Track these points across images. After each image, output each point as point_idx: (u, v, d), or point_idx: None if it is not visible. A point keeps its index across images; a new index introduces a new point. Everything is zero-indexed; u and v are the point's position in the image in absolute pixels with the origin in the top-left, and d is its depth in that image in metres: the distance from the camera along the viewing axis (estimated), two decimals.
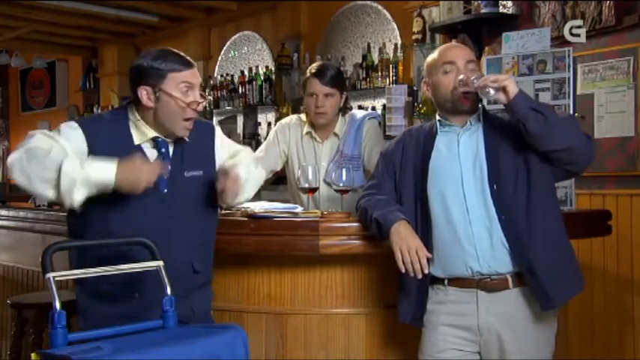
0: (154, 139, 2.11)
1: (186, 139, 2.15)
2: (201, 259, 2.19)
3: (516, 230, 2.06)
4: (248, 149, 2.43)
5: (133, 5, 6.45)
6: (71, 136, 2.03)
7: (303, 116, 3.14)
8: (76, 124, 2.07)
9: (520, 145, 2.11)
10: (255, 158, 2.42)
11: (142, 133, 2.11)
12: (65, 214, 2.20)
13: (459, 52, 2.22)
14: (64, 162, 1.88)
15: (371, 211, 2.19)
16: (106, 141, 2.04)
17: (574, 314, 3.65)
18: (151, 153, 2.11)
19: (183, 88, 2.05)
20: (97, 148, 2.02)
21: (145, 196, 2.00)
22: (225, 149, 2.31)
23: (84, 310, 2.13)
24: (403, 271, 2.07)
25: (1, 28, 7.38)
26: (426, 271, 2.05)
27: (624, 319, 3.63)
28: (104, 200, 1.97)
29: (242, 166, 2.19)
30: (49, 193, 1.91)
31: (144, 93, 2.05)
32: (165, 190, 2.09)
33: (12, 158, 1.94)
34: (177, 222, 2.12)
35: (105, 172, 1.91)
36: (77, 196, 1.89)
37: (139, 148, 2.09)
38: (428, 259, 2.06)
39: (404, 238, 2.07)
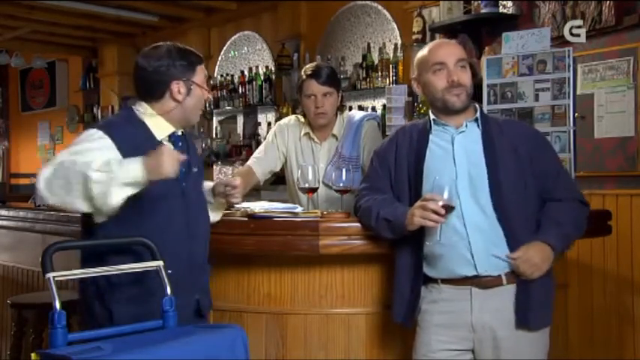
0: (169, 135, 2.14)
1: (188, 137, 2.23)
2: (207, 251, 2.24)
3: (517, 244, 2.07)
4: None
5: (133, 5, 6.44)
6: (103, 147, 1.98)
7: (301, 117, 3.14)
8: (102, 133, 2.01)
9: (519, 160, 2.13)
10: None
11: (160, 129, 2.13)
12: (66, 214, 2.20)
13: (448, 50, 2.19)
14: (89, 170, 1.83)
15: (376, 211, 2.18)
16: (131, 142, 2.02)
17: (574, 314, 3.65)
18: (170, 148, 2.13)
19: (204, 78, 2.18)
20: (125, 151, 1.98)
21: (167, 194, 2.03)
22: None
23: (118, 316, 2.01)
24: (444, 221, 2.01)
25: (1, 28, 7.37)
26: (442, 212, 1.98)
27: (624, 319, 3.62)
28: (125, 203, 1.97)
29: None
30: (83, 206, 1.87)
31: (176, 87, 2.11)
32: (184, 184, 2.12)
33: (41, 178, 1.88)
34: (194, 215, 2.16)
35: (132, 168, 1.86)
36: (113, 200, 1.84)
37: (160, 143, 2.10)
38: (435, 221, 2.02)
39: (415, 214, 2.04)
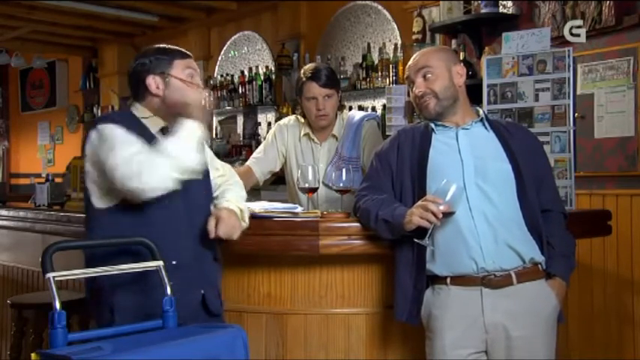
0: (163, 130, 2.15)
1: None
2: (216, 247, 2.22)
3: (540, 235, 2.14)
4: (228, 167, 2.45)
5: (133, 5, 6.45)
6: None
7: (301, 117, 3.13)
8: (115, 125, 2.04)
9: (528, 160, 2.21)
10: (235, 176, 2.43)
11: (155, 125, 2.15)
12: (66, 214, 2.20)
13: (412, 65, 2.30)
14: (164, 145, 1.97)
15: (375, 212, 2.18)
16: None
17: (574, 314, 3.65)
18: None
19: (188, 74, 2.17)
20: None
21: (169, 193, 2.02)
22: (208, 156, 2.34)
23: (120, 306, 2.04)
24: (439, 224, 2.03)
25: (1, 28, 7.37)
26: (440, 215, 2.00)
27: (624, 319, 3.63)
28: (127, 206, 2.01)
29: (232, 197, 2.24)
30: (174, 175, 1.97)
31: (152, 82, 2.13)
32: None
33: (121, 169, 1.91)
34: (197, 209, 2.16)
35: (188, 126, 2.04)
36: (194, 158, 2.02)
37: (154, 136, 2.12)
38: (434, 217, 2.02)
39: (414, 213, 2.05)
